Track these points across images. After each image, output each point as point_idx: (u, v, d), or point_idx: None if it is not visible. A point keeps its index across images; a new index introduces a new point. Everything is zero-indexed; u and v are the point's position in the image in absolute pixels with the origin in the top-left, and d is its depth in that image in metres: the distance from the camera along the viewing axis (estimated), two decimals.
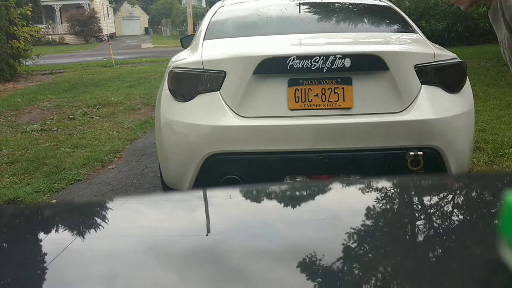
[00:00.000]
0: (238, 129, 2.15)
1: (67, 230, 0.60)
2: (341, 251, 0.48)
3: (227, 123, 2.15)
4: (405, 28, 2.68)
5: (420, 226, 0.56)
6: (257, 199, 0.68)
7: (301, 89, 2.15)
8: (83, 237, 0.56)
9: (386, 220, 0.59)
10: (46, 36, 31.11)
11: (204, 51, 2.31)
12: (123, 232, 0.58)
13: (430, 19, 13.50)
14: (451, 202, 0.64)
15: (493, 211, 0.58)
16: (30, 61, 11.94)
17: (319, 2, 3.09)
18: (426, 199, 0.66)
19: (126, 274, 0.46)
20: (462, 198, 0.67)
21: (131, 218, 0.62)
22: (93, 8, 35.91)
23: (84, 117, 5.95)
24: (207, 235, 0.54)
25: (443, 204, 0.63)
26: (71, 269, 0.48)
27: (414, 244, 0.52)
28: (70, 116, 6.06)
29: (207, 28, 2.69)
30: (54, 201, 3.21)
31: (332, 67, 2.07)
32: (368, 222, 0.56)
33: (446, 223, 0.57)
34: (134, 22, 50.27)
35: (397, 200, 0.66)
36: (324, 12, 3.00)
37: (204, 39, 2.53)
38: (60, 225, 0.61)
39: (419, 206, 0.64)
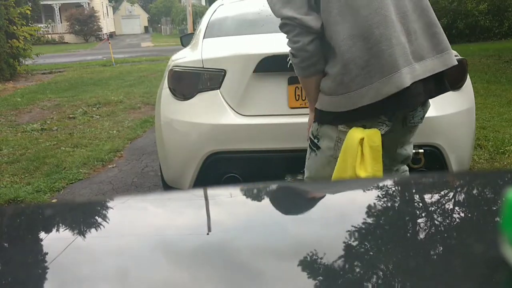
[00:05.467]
0: (239, 128, 2.15)
1: (67, 230, 0.60)
2: (344, 249, 0.48)
3: (227, 122, 2.15)
4: None
5: (421, 224, 0.56)
6: (258, 197, 0.68)
7: (301, 87, 2.15)
8: (84, 236, 0.56)
9: (387, 218, 0.59)
10: (46, 35, 31.14)
11: (204, 50, 2.31)
12: (124, 231, 0.58)
13: None
14: (452, 200, 0.64)
15: (494, 208, 0.58)
16: (30, 60, 11.95)
17: None
18: (427, 197, 0.66)
19: (127, 273, 0.46)
20: (463, 195, 0.67)
21: (132, 217, 0.62)
22: (93, 7, 35.91)
23: (84, 116, 5.96)
24: (208, 233, 0.54)
25: (444, 202, 0.63)
26: (72, 268, 0.48)
27: (415, 242, 0.52)
28: (70, 116, 6.06)
29: (207, 26, 2.69)
30: (54, 200, 3.21)
31: None
32: (369, 220, 0.56)
33: (447, 221, 0.57)
34: (133, 21, 50.24)
35: (397, 199, 0.66)
36: None
37: (204, 38, 2.53)
38: (60, 225, 0.61)
39: (420, 204, 0.64)
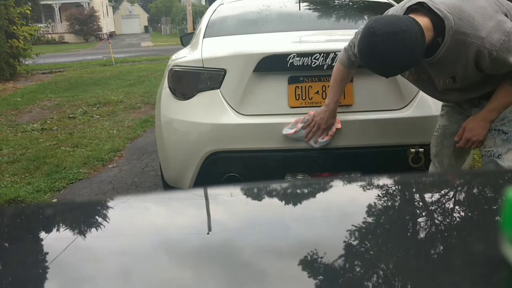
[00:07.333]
0: (239, 127, 2.15)
1: (68, 230, 0.60)
2: (343, 248, 0.48)
3: (227, 121, 2.15)
4: None
5: (421, 223, 0.56)
6: (258, 197, 0.68)
7: (301, 86, 2.15)
8: (84, 236, 0.56)
9: (387, 217, 0.59)
10: (46, 35, 31.11)
11: (204, 49, 2.31)
12: (124, 231, 0.58)
13: None
14: (452, 199, 0.64)
15: (494, 207, 0.58)
16: (30, 60, 11.93)
17: None
18: (427, 196, 0.66)
19: (127, 272, 0.46)
20: (463, 194, 0.67)
21: (132, 217, 0.62)
22: (93, 6, 35.88)
23: (84, 116, 5.95)
24: (208, 233, 0.54)
25: (444, 201, 0.63)
26: (73, 268, 0.48)
27: (416, 241, 0.52)
28: (70, 115, 6.06)
29: (206, 26, 2.69)
30: (55, 200, 3.21)
31: (333, 64, 2.07)
32: (369, 219, 0.56)
33: (447, 220, 0.57)
34: (133, 20, 50.23)
35: (398, 198, 0.66)
36: (324, 9, 3.00)
37: (204, 37, 2.52)
38: (61, 225, 0.61)
39: (421, 203, 0.64)
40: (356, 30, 1.83)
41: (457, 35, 1.52)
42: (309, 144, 2.13)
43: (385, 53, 1.51)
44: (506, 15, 1.57)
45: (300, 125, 2.10)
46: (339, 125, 2.11)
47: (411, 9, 1.61)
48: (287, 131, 2.11)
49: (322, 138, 2.11)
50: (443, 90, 1.75)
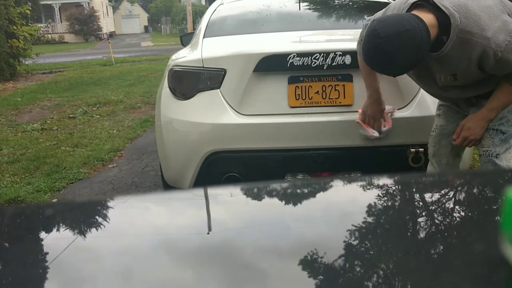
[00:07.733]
0: (239, 127, 2.15)
1: (68, 230, 0.60)
2: (343, 248, 0.48)
3: (227, 121, 2.15)
4: None
5: (422, 223, 0.56)
6: (258, 197, 0.68)
7: (301, 86, 2.15)
8: (84, 236, 0.56)
9: (387, 217, 0.59)
10: (46, 35, 31.10)
11: (204, 49, 2.31)
12: (125, 231, 0.58)
13: None
14: (453, 199, 0.64)
15: (495, 207, 0.58)
16: (30, 60, 11.93)
17: None
18: (427, 196, 0.66)
19: (128, 272, 0.46)
20: (463, 194, 0.67)
21: (132, 217, 0.62)
22: (93, 6, 35.88)
23: (84, 116, 5.95)
24: (208, 233, 0.54)
25: (444, 201, 0.63)
26: (73, 268, 0.48)
27: (416, 241, 0.52)
28: (70, 115, 6.06)
29: (206, 26, 2.69)
30: (55, 200, 3.21)
31: (333, 64, 2.07)
32: (369, 219, 0.56)
33: (448, 220, 0.57)
34: (133, 20, 50.23)
35: (398, 197, 0.66)
36: (324, 9, 3.00)
37: (204, 37, 2.52)
38: (61, 225, 0.61)
39: (421, 203, 0.64)
40: (365, 22, 1.82)
41: (462, 34, 1.51)
42: (373, 135, 2.09)
43: (391, 54, 1.50)
44: (509, 15, 1.56)
45: (367, 127, 2.08)
46: (394, 111, 2.10)
47: (415, 5, 1.59)
48: (373, 132, 2.10)
49: (384, 127, 2.09)
50: (443, 87, 1.75)
